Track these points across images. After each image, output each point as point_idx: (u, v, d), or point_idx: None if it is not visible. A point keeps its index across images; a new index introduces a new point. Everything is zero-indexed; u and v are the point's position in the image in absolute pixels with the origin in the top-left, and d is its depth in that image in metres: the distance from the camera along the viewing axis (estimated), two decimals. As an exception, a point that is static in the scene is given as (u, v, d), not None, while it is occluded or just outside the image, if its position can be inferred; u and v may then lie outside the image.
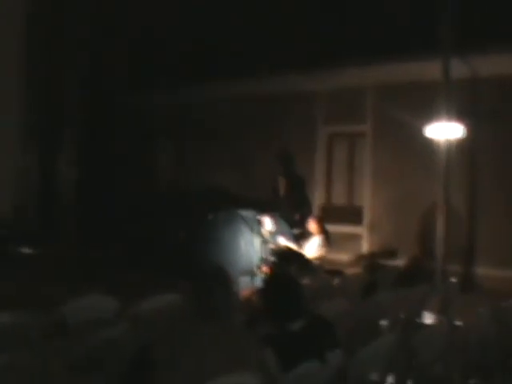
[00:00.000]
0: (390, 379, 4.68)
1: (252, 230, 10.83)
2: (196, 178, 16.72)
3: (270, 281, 4.59)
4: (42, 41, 15.03)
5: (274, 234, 10.83)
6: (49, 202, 15.64)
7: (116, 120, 18.02)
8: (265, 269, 10.16)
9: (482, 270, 12.19)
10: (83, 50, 15.97)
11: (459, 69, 11.36)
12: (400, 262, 12.33)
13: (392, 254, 12.91)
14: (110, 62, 17.20)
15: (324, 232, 11.37)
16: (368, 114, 14.04)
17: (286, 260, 10.38)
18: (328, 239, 11.37)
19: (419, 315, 7.04)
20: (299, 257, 10.73)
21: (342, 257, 13.15)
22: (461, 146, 11.73)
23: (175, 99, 17.03)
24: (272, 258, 10.51)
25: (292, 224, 12.17)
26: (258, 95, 15.38)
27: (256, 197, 14.35)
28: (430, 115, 11.31)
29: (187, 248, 12.03)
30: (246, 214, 11.46)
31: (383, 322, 6.36)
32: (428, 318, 7.10)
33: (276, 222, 11.13)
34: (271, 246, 10.60)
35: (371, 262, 12.81)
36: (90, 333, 4.60)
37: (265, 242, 10.15)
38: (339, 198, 14.83)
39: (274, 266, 10.18)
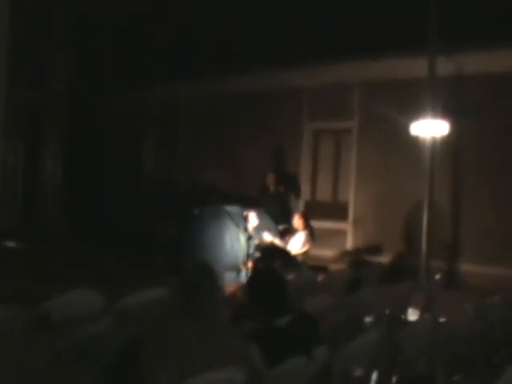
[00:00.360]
0: (374, 375, 4.71)
1: (237, 225, 10.82)
2: (183, 175, 16.75)
3: (254, 276, 4.61)
4: (28, 39, 14.89)
5: (259, 230, 10.83)
6: (34, 200, 15.53)
7: (103, 118, 17.98)
8: (250, 264, 10.16)
9: (466, 267, 12.27)
10: (71, 49, 15.84)
11: (445, 66, 11.43)
12: (384, 258, 12.42)
13: (376, 250, 12.97)
14: (97, 60, 17.14)
15: (309, 228, 11.39)
16: (354, 110, 14.08)
17: (271, 256, 10.35)
18: (312, 235, 11.40)
19: (404, 312, 7.08)
20: (284, 253, 10.74)
21: (327, 253, 13.18)
22: (446, 143, 11.80)
23: (162, 97, 17.03)
24: (257, 254, 10.51)
25: (277, 220, 12.19)
26: (245, 92, 15.38)
27: (242, 193, 14.39)
28: (415, 112, 11.38)
29: (174, 243, 12.04)
30: (232, 209, 11.45)
31: (368, 319, 6.39)
32: (412, 315, 7.15)
33: (261, 218, 11.12)
34: (256, 241, 10.60)
35: (356, 259, 12.89)
36: (75, 327, 4.59)
37: (250, 237, 10.14)
38: (324, 194, 14.88)
39: (258, 262, 10.17)
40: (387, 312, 6.75)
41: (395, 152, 13.19)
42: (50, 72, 15.58)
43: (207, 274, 3.89)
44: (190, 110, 16.73)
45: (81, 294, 5.34)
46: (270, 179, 13.57)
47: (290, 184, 14.37)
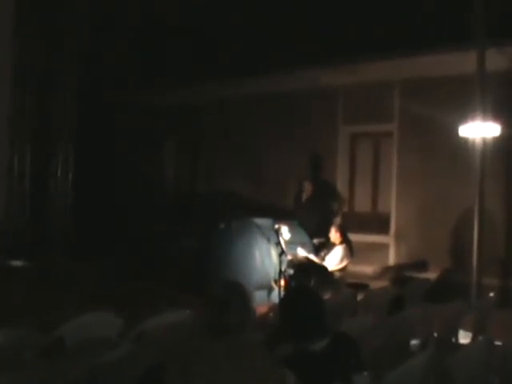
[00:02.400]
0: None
1: (268, 239, 10.80)
2: (206, 184, 16.82)
3: (288, 296, 4.59)
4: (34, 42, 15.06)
5: (292, 244, 10.79)
6: (43, 212, 15.65)
7: (117, 121, 18.11)
8: (282, 282, 10.12)
9: (522, 284, 12.11)
10: (81, 51, 15.98)
11: (495, 60, 11.31)
12: (431, 274, 12.30)
13: (422, 265, 12.87)
14: (109, 60, 17.29)
15: (346, 242, 11.39)
16: (395, 111, 14.01)
17: (306, 273, 10.34)
18: (351, 249, 11.39)
19: (453, 333, 7.00)
20: (320, 269, 10.75)
21: (367, 269, 13.13)
22: (497, 146, 11.64)
23: (182, 99, 17.12)
24: (290, 271, 10.48)
25: (312, 233, 12.15)
26: (272, 93, 15.44)
27: (272, 203, 14.37)
28: (463, 112, 11.27)
29: (198, 260, 12.08)
30: (262, 222, 11.46)
31: (413, 341, 6.34)
32: (463, 337, 7.07)
33: (294, 231, 11.09)
34: (289, 257, 10.57)
35: (399, 275, 12.81)
36: (91, 353, 4.60)
37: (282, 252, 10.11)
38: (363, 205, 14.82)
39: (292, 280, 10.15)
40: (435, 334, 6.68)
41: (441, 157, 13.08)
42: (59, 76, 15.70)
43: (238, 292, 3.89)
44: (214, 114, 16.81)
45: (96, 316, 5.35)
46: (306, 188, 13.51)
47: (329, 194, 14.34)
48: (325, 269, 10.87)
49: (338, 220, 14.13)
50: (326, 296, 9.76)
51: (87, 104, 16.33)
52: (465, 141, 11.40)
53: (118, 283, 11.97)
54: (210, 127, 17.02)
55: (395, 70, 13.71)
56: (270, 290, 10.77)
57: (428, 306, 7.24)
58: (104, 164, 17.40)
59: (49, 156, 15.69)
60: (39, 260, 13.85)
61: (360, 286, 10.24)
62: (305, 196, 13.47)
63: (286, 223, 10.77)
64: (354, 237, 11.95)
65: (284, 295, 4.77)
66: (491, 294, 9.31)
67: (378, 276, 13.02)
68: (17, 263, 13.87)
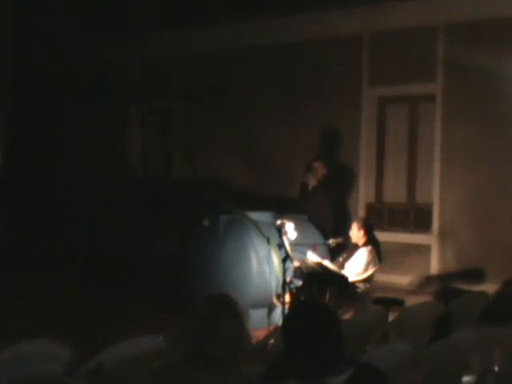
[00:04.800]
0: None
1: (268, 240, 10.82)
2: (183, 166, 16.76)
3: (294, 315, 4.54)
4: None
5: (299, 246, 10.83)
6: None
7: (64, 86, 18.12)
8: (287, 298, 10.15)
9: None
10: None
11: None
12: (488, 286, 12.28)
13: (476, 274, 12.90)
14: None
15: (373, 243, 11.41)
16: (438, 66, 14.00)
17: (318, 284, 10.40)
18: (379, 253, 11.41)
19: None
20: (337, 279, 10.76)
21: (401, 279, 13.17)
22: None
23: (154, 51, 17.12)
24: (298, 282, 10.50)
25: (326, 231, 12.17)
26: (272, 44, 15.48)
27: (273, 192, 14.37)
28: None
29: (175, 268, 12.09)
30: (259, 217, 11.52)
31: (466, 377, 6.33)
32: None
33: (302, 229, 11.14)
34: (296, 263, 10.58)
35: (444, 287, 12.80)
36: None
37: (287, 257, 10.13)
38: (395, 193, 14.86)
39: (300, 294, 10.18)
40: (495, 367, 6.67)
41: (501, 129, 13.10)
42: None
43: (229, 309, 3.94)
44: (196, 70, 16.79)
45: (37, 346, 5.36)
46: (316, 170, 13.47)
47: (347, 179, 14.35)
48: (344, 279, 10.86)
49: (359, 213, 14.15)
50: (346, 315, 9.79)
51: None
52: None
53: (66, 301, 11.97)
54: (188, 89, 16.99)
55: (438, 10, 13.70)
56: (270, 307, 10.82)
57: (485, 328, 7.23)
58: (44, 146, 17.49)
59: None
60: None
61: (392, 302, 10.22)
62: (315, 182, 13.47)
63: (291, 218, 10.81)
64: (382, 236, 11.99)
65: (289, 315, 4.76)
66: None
67: (416, 289, 13.05)
68: None
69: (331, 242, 11.87)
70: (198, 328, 3.82)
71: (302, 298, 10.03)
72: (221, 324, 3.79)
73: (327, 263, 11.01)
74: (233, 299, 3.98)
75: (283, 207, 12.17)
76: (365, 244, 11.31)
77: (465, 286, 12.35)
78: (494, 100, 13.00)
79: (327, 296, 10.20)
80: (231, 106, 16.21)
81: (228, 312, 3.86)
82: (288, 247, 10.34)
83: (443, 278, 13.42)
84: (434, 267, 13.89)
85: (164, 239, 13.85)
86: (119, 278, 13.34)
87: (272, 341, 7.72)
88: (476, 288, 11.98)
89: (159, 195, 16.40)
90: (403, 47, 14.23)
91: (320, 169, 13.45)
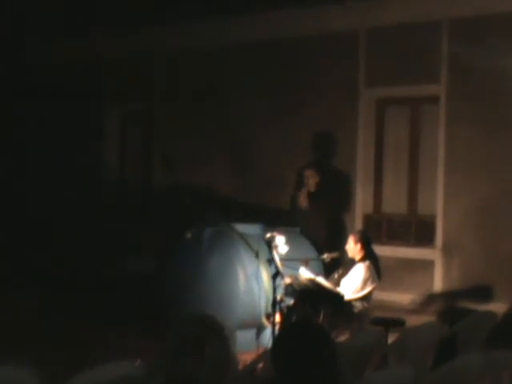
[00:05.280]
0: None
1: (257, 255, 10.79)
2: (164, 174, 16.73)
3: (285, 337, 4.55)
4: None
5: (291, 262, 10.82)
6: None
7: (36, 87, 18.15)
8: (278, 318, 10.13)
9: None
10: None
11: None
12: (496, 305, 12.28)
13: (483, 292, 12.92)
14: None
15: (371, 258, 11.38)
16: (442, 65, 14.01)
17: (312, 302, 10.38)
18: (378, 269, 11.38)
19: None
20: (332, 297, 10.74)
21: (402, 297, 13.17)
22: None
23: (132, 48, 17.13)
24: (289, 300, 10.49)
25: (320, 245, 12.16)
26: (261, 41, 15.51)
27: (262, 203, 14.36)
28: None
29: (154, 286, 12.06)
30: (247, 229, 11.48)
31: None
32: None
33: (294, 243, 11.15)
34: (287, 280, 10.58)
35: (449, 306, 12.80)
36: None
37: (277, 273, 10.11)
38: (395, 204, 14.86)
39: (292, 314, 10.17)
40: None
41: (510, 132, 13.08)
42: None
43: (213, 331, 3.95)
44: (182, 69, 16.80)
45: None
46: (309, 180, 13.48)
47: (343, 188, 14.32)
48: (340, 297, 10.84)
49: (355, 225, 14.14)
50: (342, 337, 9.78)
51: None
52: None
53: (33, 323, 11.93)
54: (172, 89, 16.99)
55: (442, 3, 13.74)
56: (259, 328, 10.81)
57: (493, 351, 7.22)
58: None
59: None
60: None
61: (392, 323, 10.22)
62: (307, 191, 13.47)
63: (282, 231, 10.82)
64: (381, 250, 12.00)
65: (279, 336, 4.74)
66: None
67: (418, 308, 13.05)
68: None
69: (326, 256, 11.85)
70: (180, 352, 3.80)
71: (294, 317, 10.04)
72: (205, 347, 3.77)
73: (321, 280, 11.00)
74: (218, 321, 3.95)
75: (273, 219, 12.17)
76: (362, 259, 11.27)
77: (471, 305, 12.38)
78: (504, 102, 13.04)
79: (321, 316, 10.20)
80: (219, 106, 16.20)
81: (213, 334, 3.85)
82: (278, 262, 10.34)
83: (447, 296, 13.44)
84: (438, 284, 13.89)
85: (142, 254, 13.79)
86: (94, 296, 13.28)
87: (261, 365, 7.69)
88: (483, 307, 11.99)
89: (137, 205, 16.39)
90: (404, 44, 14.24)
91: (312, 177, 13.49)
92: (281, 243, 10.61)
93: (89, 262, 15.19)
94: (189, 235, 11.77)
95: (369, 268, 11.20)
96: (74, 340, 10.73)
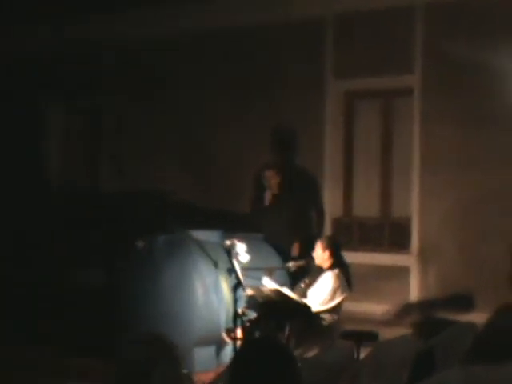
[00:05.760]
0: None
1: (215, 264, 10.83)
2: (114, 178, 16.72)
3: (243, 355, 4.51)
4: None
5: (253, 271, 10.81)
6: None
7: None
8: (239, 333, 10.11)
9: None
10: None
11: None
12: (477, 316, 12.29)
13: (462, 302, 12.97)
14: None
15: (341, 265, 11.40)
16: (416, 55, 14.04)
17: (276, 316, 10.38)
18: (348, 277, 11.42)
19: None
20: (299, 309, 10.72)
21: (375, 308, 13.20)
22: None
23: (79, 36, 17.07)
24: (251, 314, 10.47)
25: (285, 252, 12.15)
26: (219, 29, 15.50)
27: (221, 207, 14.33)
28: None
29: (101, 303, 12.01)
30: (205, 236, 11.56)
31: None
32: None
33: (257, 250, 11.17)
34: (249, 291, 10.55)
35: (426, 317, 12.83)
36: None
37: (238, 284, 10.08)
38: (367, 207, 14.92)
39: (254, 329, 10.16)
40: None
41: (494, 128, 13.13)
42: None
43: (161, 350, 3.98)
44: (131, 61, 16.77)
45: None
46: (269, 181, 13.49)
47: (306, 188, 14.32)
48: (307, 309, 10.82)
49: (324, 230, 14.14)
50: (310, 353, 9.75)
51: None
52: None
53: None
54: (121, 84, 16.95)
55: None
56: (219, 345, 10.78)
57: (474, 367, 7.19)
58: None
59: None
60: None
61: (364, 336, 10.16)
62: (269, 194, 13.47)
63: (243, 237, 10.81)
64: (352, 256, 12.05)
65: (237, 355, 4.70)
66: None
67: (392, 319, 13.08)
68: None
69: (291, 265, 11.90)
70: (127, 375, 3.77)
71: (257, 333, 10.01)
72: (153, 371, 3.74)
73: (286, 291, 10.96)
74: (167, 341, 3.93)
75: (233, 224, 12.12)
76: (331, 267, 11.29)
77: (450, 316, 12.41)
78: (485, 94, 13.06)
79: (287, 330, 10.18)
80: (172, 102, 16.15)
81: (162, 356, 3.82)
82: (240, 272, 10.32)
83: (424, 306, 13.50)
84: (414, 293, 13.94)
85: (89, 265, 13.70)
86: (36, 316, 13.22)
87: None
88: (463, 318, 12.03)
89: (83, 212, 16.30)
90: (374, 32, 14.27)
91: (272, 178, 13.49)
92: (242, 251, 10.58)
93: (34, 273, 15.09)
94: (141, 244, 11.74)
95: (338, 276, 11.22)
96: (21, 360, 10.70)
